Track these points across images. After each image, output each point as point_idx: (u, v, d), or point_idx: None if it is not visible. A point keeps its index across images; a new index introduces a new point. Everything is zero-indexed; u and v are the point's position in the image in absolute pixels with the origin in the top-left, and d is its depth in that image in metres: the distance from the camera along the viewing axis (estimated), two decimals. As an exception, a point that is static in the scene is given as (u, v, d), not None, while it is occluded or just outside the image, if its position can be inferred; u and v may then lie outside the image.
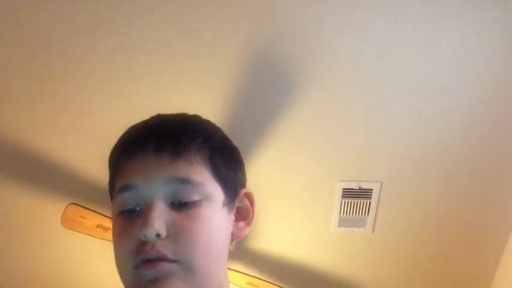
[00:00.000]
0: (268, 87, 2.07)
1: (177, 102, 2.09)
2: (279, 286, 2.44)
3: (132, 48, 1.94)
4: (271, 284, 2.46)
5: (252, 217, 0.81)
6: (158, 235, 0.69)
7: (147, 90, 2.08)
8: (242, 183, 0.82)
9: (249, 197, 0.82)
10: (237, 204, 0.79)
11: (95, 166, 2.32)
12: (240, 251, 2.73)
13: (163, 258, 0.69)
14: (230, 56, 1.96)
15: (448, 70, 2.02)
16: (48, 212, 2.51)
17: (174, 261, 0.70)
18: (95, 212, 2.17)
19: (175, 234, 0.70)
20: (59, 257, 2.77)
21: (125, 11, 1.82)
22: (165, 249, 0.70)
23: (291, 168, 2.38)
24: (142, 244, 0.70)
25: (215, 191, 0.75)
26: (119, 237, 0.74)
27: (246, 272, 2.51)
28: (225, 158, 0.78)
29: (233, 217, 0.78)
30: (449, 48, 1.94)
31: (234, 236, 0.79)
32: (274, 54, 1.97)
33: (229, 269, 2.72)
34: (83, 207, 2.14)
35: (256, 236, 2.69)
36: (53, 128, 2.21)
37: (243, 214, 0.80)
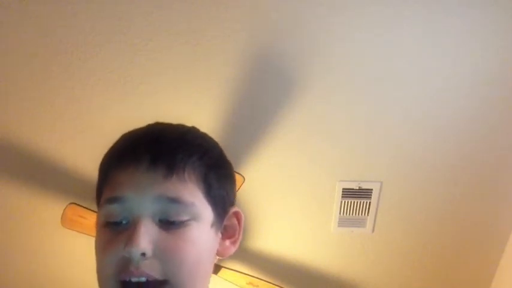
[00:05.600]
0: (268, 87, 2.07)
1: (177, 102, 2.08)
2: (279, 286, 2.44)
3: (132, 49, 1.94)
4: (271, 284, 2.46)
5: (238, 237, 0.79)
6: (143, 254, 0.67)
7: (147, 90, 2.08)
8: (232, 201, 0.80)
9: (237, 216, 0.80)
10: (225, 222, 0.77)
11: (95, 166, 2.30)
12: (240, 251, 2.73)
13: (150, 282, 0.67)
14: (230, 56, 1.96)
15: (448, 70, 2.02)
16: (48, 212, 2.51)
17: (162, 282, 0.68)
18: (95, 212, 2.16)
19: (161, 253, 0.68)
20: (59, 257, 2.77)
21: (125, 11, 1.82)
22: (151, 269, 0.67)
23: (291, 168, 2.38)
24: (126, 262, 0.68)
25: (205, 211, 0.73)
26: (103, 250, 0.71)
27: (246, 272, 2.51)
28: (219, 175, 0.76)
29: (220, 235, 0.76)
30: (450, 48, 1.94)
31: (219, 254, 0.77)
32: (273, 55, 1.97)
33: (229, 269, 2.72)
34: (82, 207, 2.14)
35: (256, 236, 2.69)
36: (53, 128, 2.21)
37: (229, 232, 0.78)
